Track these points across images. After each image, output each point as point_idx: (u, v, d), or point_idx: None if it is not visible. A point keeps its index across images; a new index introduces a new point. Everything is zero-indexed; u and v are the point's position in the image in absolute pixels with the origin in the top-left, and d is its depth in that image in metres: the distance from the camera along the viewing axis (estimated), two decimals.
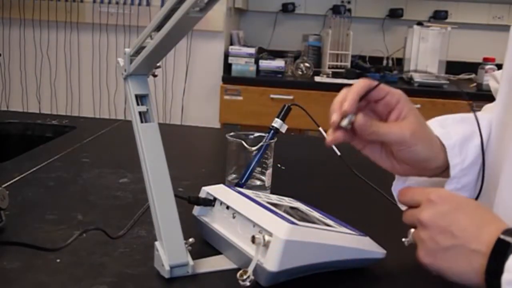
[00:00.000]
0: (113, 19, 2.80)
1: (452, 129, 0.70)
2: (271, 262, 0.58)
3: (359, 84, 0.65)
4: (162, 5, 2.73)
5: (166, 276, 0.63)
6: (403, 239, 0.63)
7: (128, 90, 0.67)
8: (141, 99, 0.67)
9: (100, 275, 0.63)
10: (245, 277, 0.59)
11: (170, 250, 0.63)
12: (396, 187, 0.74)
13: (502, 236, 0.52)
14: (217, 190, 0.73)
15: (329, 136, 0.65)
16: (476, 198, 0.68)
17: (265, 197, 0.74)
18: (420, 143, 0.66)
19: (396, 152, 0.67)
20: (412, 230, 0.61)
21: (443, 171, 0.71)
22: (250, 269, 0.59)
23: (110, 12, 2.79)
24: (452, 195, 0.59)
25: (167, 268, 0.63)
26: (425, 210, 0.58)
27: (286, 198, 0.79)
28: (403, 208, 0.72)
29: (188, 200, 0.71)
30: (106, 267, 0.66)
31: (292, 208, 0.73)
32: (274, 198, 0.75)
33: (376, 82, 0.65)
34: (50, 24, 2.85)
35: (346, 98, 0.64)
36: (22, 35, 2.88)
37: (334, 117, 0.64)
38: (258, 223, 0.62)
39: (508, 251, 0.51)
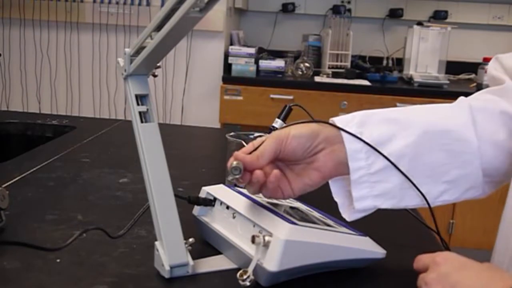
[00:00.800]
0: (113, 19, 2.80)
1: (368, 129, 0.66)
2: (271, 262, 0.58)
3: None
4: (162, 5, 2.73)
5: (166, 276, 0.63)
6: None
7: (128, 90, 0.67)
8: (141, 99, 0.67)
9: (100, 275, 0.63)
10: (245, 277, 0.59)
11: (170, 250, 0.63)
12: (335, 189, 0.71)
13: None
14: (217, 190, 0.73)
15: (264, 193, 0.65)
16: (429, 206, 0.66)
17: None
18: (293, 129, 0.65)
19: (286, 158, 0.65)
20: None
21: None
22: (250, 269, 0.59)
23: (110, 12, 2.79)
24: (457, 256, 0.58)
25: (167, 268, 0.63)
26: (430, 273, 0.57)
27: None
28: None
29: (188, 200, 0.71)
30: (106, 267, 0.66)
31: (292, 208, 0.73)
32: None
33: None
34: (50, 24, 2.85)
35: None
36: (22, 35, 2.88)
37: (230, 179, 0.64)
38: (258, 223, 0.62)
39: None
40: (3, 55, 2.87)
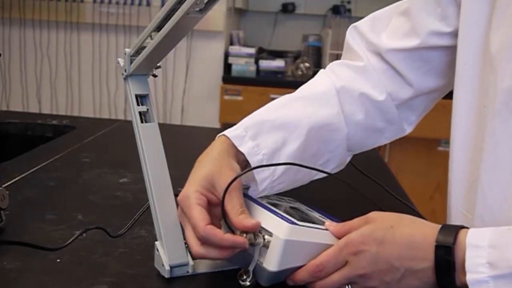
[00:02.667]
0: (113, 19, 2.80)
1: (263, 140, 0.69)
2: (271, 262, 0.58)
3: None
4: (162, 5, 2.73)
5: (166, 276, 0.63)
6: None
7: (128, 90, 0.67)
8: (141, 99, 0.67)
9: (100, 275, 0.63)
10: (245, 277, 0.59)
11: (170, 250, 0.64)
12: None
13: (438, 243, 0.55)
14: None
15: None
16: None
17: (265, 197, 0.74)
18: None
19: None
20: None
21: None
22: (250, 269, 0.59)
23: (110, 12, 2.79)
24: (365, 235, 0.59)
25: (167, 268, 0.63)
26: (358, 262, 0.58)
27: (286, 198, 0.79)
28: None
29: None
30: (106, 267, 0.66)
31: (292, 208, 0.73)
32: (274, 198, 0.75)
33: None
34: (50, 24, 2.85)
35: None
36: (22, 35, 2.88)
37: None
38: None
39: (451, 253, 0.54)
40: (3, 55, 2.87)
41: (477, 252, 0.52)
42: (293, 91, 0.81)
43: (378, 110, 0.77)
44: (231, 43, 2.97)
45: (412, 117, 0.80)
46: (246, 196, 0.69)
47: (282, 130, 0.71)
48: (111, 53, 2.85)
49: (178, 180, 0.69)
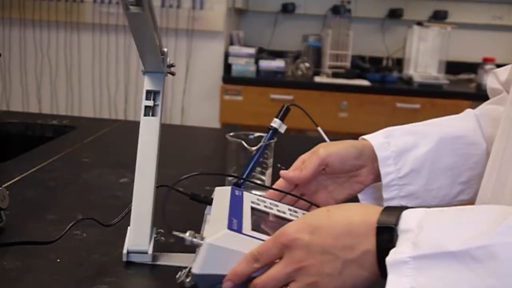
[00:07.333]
0: (113, 19, 2.80)
1: (393, 140, 0.73)
2: (196, 264, 0.56)
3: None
4: (162, 5, 2.74)
5: (123, 259, 0.66)
6: None
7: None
8: (151, 94, 0.73)
9: (100, 275, 0.64)
10: (179, 275, 0.59)
11: (133, 235, 0.67)
12: (363, 197, 0.78)
13: (379, 225, 0.49)
14: (222, 191, 0.71)
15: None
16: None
17: (274, 205, 0.70)
18: (341, 149, 0.72)
19: (332, 172, 0.73)
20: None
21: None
22: (185, 270, 0.59)
23: (110, 12, 2.79)
24: (300, 223, 0.54)
25: (124, 251, 0.66)
26: (292, 253, 0.52)
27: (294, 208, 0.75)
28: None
29: (190, 196, 0.72)
30: (106, 267, 0.66)
31: (291, 209, 0.72)
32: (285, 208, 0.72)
33: None
34: (50, 24, 2.85)
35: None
36: (22, 35, 2.88)
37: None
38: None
39: (393, 235, 0.48)
40: (3, 55, 2.87)
41: (407, 235, 0.47)
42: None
43: None
44: (231, 43, 2.97)
45: None
46: (234, 195, 0.68)
47: (413, 135, 0.74)
48: (111, 53, 2.85)
49: (178, 179, 0.69)
